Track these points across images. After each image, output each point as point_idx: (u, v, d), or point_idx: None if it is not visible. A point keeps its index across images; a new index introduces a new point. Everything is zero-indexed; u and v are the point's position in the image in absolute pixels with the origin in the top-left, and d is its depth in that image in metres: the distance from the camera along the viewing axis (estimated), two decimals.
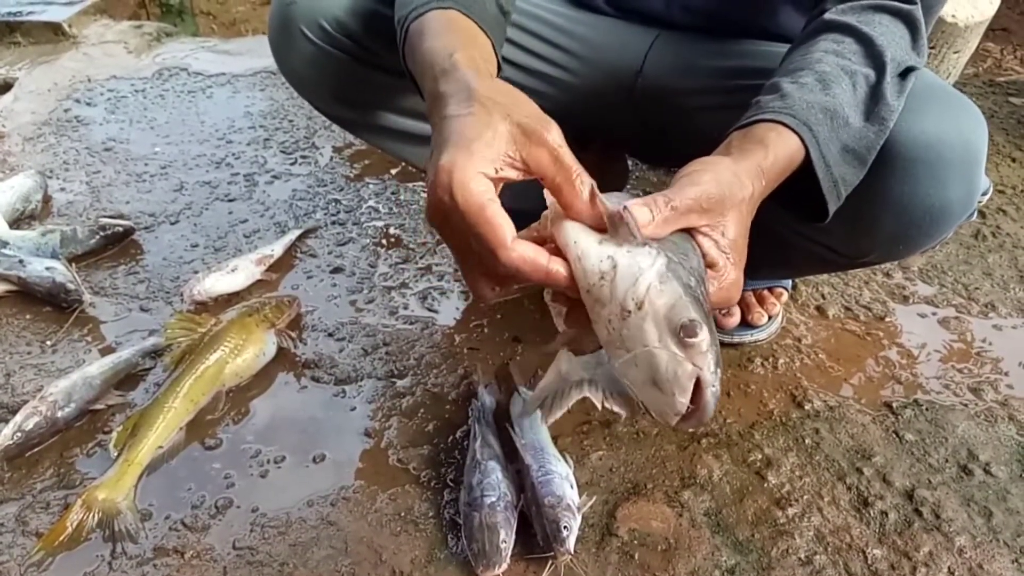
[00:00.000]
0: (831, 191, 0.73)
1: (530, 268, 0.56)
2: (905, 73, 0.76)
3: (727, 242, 0.62)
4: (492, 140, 0.57)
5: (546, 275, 0.57)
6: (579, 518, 0.89)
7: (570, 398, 0.70)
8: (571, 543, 0.86)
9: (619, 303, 0.55)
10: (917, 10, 0.80)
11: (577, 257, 0.57)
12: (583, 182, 0.58)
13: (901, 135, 0.78)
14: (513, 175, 0.58)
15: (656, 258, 0.56)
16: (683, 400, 0.55)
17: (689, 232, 0.62)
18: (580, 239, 0.58)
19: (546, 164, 0.58)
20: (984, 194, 0.86)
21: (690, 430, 0.58)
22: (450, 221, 0.57)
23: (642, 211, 0.57)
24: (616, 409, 0.69)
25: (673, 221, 0.59)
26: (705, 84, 0.99)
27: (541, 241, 0.60)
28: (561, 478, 0.91)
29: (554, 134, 0.58)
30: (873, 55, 0.75)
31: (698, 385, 0.56)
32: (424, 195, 1.60)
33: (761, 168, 0.66)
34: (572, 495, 0.90)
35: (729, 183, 0.62)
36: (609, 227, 0.58)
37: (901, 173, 0.80)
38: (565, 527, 0.86)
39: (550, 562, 0.86)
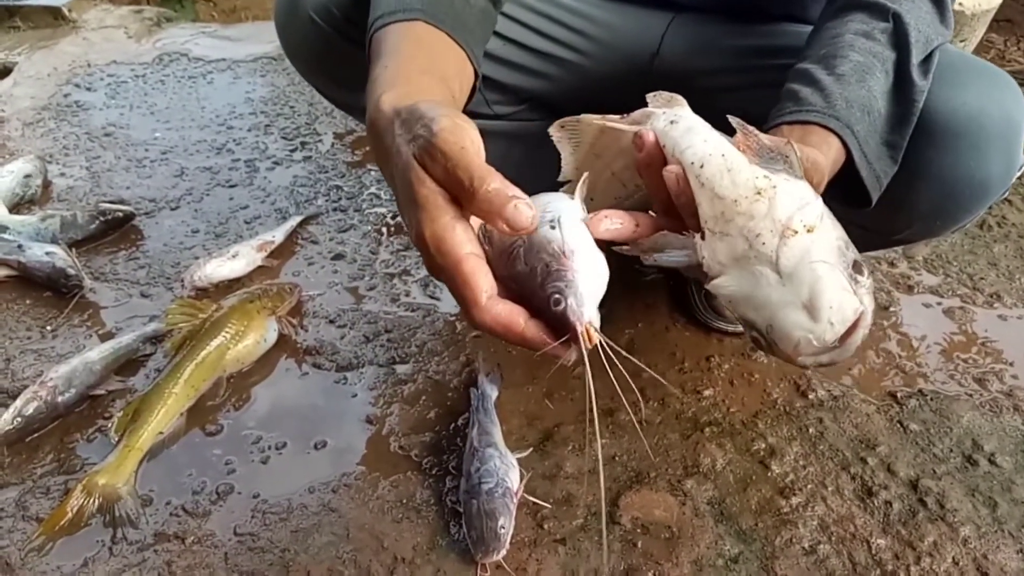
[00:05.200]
0: (874, 185, 0.72)
1: (502, 331, 0.52)
2: (932, 51, 0.75)
3: None
4: (422, 175, 0.52)
5: (521, 340, 0.52)
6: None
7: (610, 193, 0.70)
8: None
9: (781, 221, 0.55)
10: None
11: (726, 168, 0.56)
12: (489, 190, 0.52)
13: (942, 108, 0.77)
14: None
15: (817, 197, 0.57)
16: (838, 330, 0.53)
17: None
18: (728, 152, 0.57)
19: (442, 178, 0.52)
20: (1019, 170, 0.86)
21: (818, 366, 0.55)
22: (440, 277, 0.54)
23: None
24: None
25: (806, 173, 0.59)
26: (725, 64, 0.98)
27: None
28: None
29: (440, 137, 0.52)
30: (902, 34, 0.74)
31: (856, 322, 0.54)
32: None
33: (829, 172, 0.66)
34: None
35: (824, 173, 0.62)
36: (755, 155, 0.58)
37: (942, 146, 0.79)
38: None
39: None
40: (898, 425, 1.06)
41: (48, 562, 0.86)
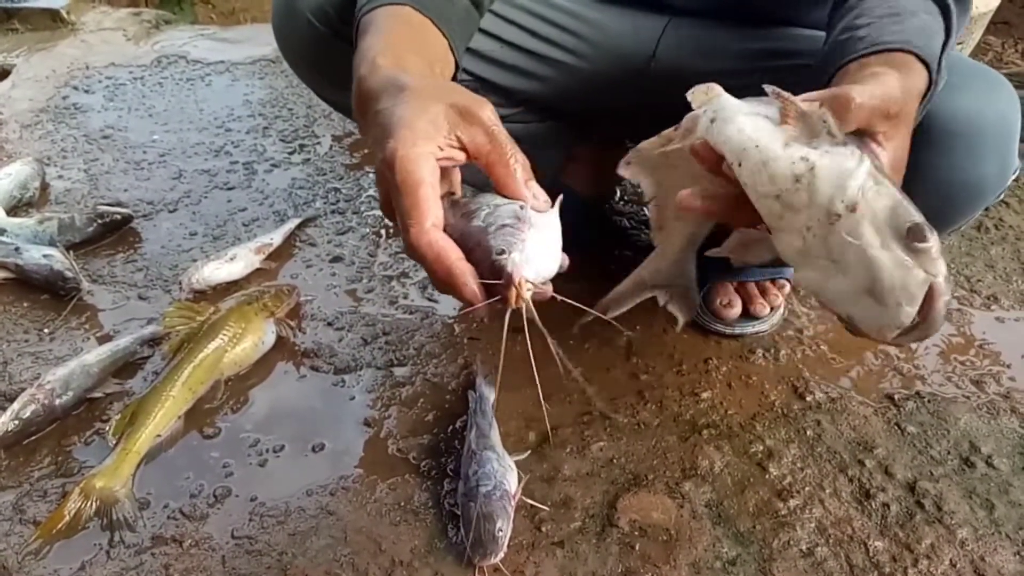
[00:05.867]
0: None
1: (433, 258, 0.53)
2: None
3: (896, 158, 0.59)
4: (434, 120, 0.56)
5: (447, 274, 0.53)
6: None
7: (638, 298, 0.73)
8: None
9: (823, 207, 0.51)
10: None
11: (761, 163, 0.53)
12: (516, 160, 0.57)
13: (940, 110, 0.77)
14: (459, 157, 0.58)
15: (861, 158, 0.52)
16: (910, 310, 0.51)
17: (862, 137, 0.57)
18: (762, 141, 0.53)
19: (481, 142, 0.57)
20: (1014, 173, 0.86)
21: (910, 344, 0.54)
22: (390, 198, 0.56)
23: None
24: (676, 313, 0.71)
25: (855, 120, 0.55)
26: (722, 67, 0.98)
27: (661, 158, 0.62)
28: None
29: (488, 112, 0.58)
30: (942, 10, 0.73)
31: (930, 294, 0.51)
32: None
33: (919, 91, 0.63)
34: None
35: (907, 93, 0.59)
36: (800, 127, 0.54)
37: (938, 148, 0.80)
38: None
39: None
40: (896, 427, 1.06)
41: (45, 565, 0.86)
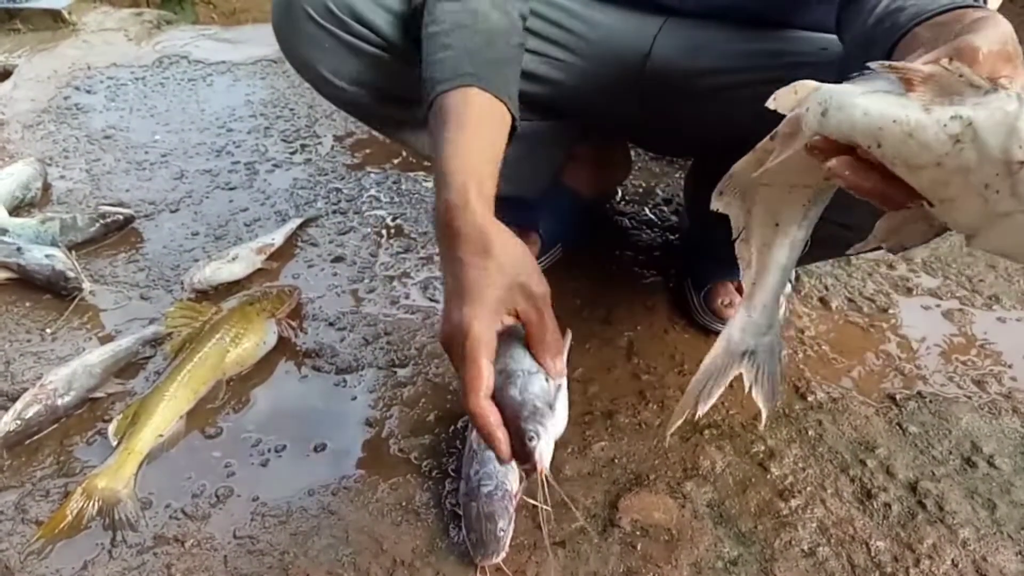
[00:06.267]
0: None
1: (481, 422, 0.67)
2: None
3: None
4: (504, 299, 0.70)
5: (489, 435, 0.67)
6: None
7: (727, 377, 0.68)
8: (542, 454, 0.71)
9: (999, 160, 0.47)
10: None
11: (907, 134, 0.49)
12: (553, 338, 0.72)
13: None
14: (509, 321, 0.72)
15: (1019, 97, 0.48)
16: None
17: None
18: (898, 114, 0.50)
19: (532, 318, 0.71)
20: None
21: None
22: (454, 354, 0.69)
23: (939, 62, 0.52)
24: (759, 400, 0.68)
25: (982, 70, 0.52)
26: (716, 67, 0.98)
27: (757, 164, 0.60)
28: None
29: (544, 295, 0.72)
30: None
31: None
32: (426, 186, 1.59)
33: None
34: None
35: (1013, 35, 0.56)
36: (932, 89, 0.50)
37: None
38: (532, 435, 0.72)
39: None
40: (897, 427, 1.06)
41: (47, 565, 0.87)
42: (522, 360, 0.73)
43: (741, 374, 0.68)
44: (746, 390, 0.68)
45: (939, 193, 0.50)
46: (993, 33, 0.55)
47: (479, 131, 0.79)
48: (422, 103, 0.83)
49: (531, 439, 0.68)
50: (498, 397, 0.69)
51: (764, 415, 0.70)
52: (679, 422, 0.70)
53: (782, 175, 0.61)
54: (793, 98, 0.58)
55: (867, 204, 0.73)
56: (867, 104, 0.51)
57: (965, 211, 0.50)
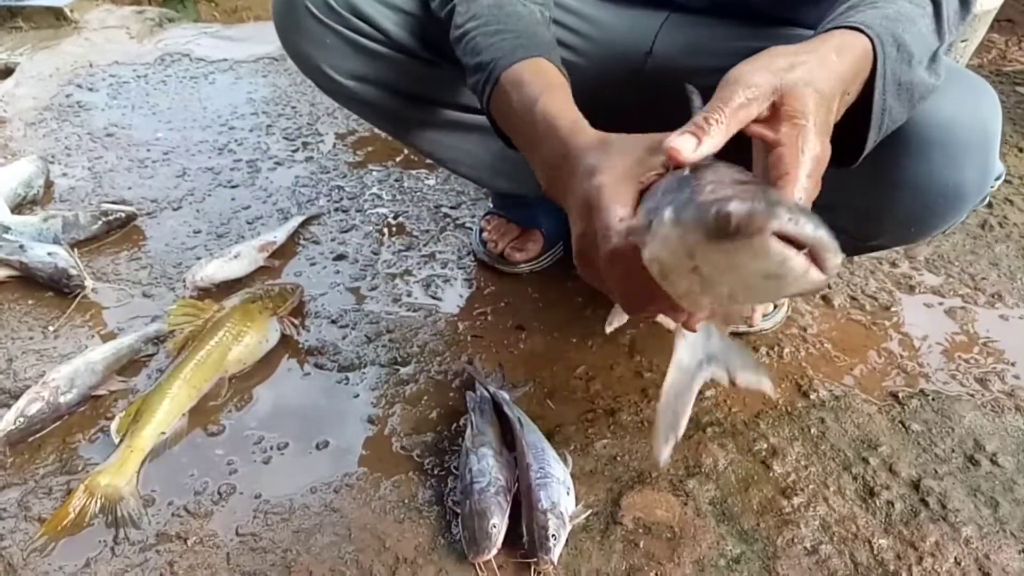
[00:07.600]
0: (878, 116, 0.68)
1: (617, 272, 0.60)
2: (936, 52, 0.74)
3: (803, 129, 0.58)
4: (639, 163, 0.62)
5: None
6: (568, 527, 0.88)
7: (694, 390, 0.69)
8: (556, 554, 0.85)
9: (682, 264, 0.51)
10: None
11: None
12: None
13: (917, 116, 0.76)
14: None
15: (667, 206, 0.52)
16: (799, 261, 0.48)
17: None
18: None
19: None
20: (997, 179, 0.85)
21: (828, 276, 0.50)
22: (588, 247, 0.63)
23: (684, 139, 0.56)
24: (750, 382, 0.68)
25: (725, 131, 0.57)
26: (717, 64, 0.97)
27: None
28: (559, 483, 0.90)
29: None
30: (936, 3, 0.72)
31: (790, 239, 0.48)
32: (429, 183, 1.59)
33: (841, 46, 0.63)
34: (567, 502, 0.89)
35: (787, 65, 0.59)
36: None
37: (916, 153, 0.79)
38: (553, 535, 0.85)
39: (532, 568, 0.86)
40: (900, 425, 1.06)
41: (50, 562, 0.87)
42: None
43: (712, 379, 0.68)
44: (728, 385, 0.67)
45: (681, 291, 0.55)
46: (731, 90, 0.59)
47: (566, 90, 0.77)
48: (475, 90, 0.82)
49: (544, 512, 0.84)
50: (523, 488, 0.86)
51: (769, 388, 0.69)
52: (668, 450, 0.68)
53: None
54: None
55: (854, 208, 0.74)
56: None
57: (705, 300, 0.54)
